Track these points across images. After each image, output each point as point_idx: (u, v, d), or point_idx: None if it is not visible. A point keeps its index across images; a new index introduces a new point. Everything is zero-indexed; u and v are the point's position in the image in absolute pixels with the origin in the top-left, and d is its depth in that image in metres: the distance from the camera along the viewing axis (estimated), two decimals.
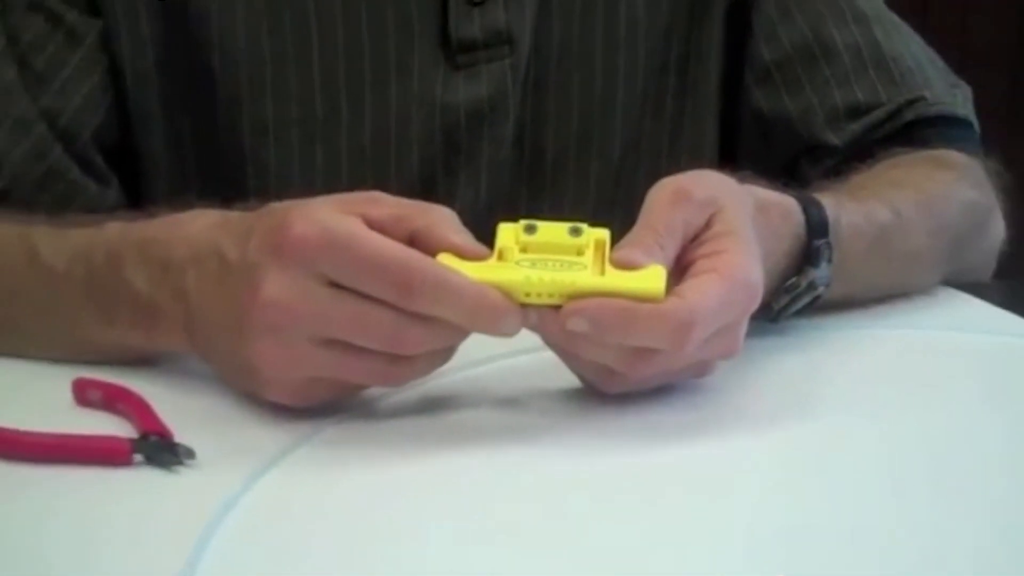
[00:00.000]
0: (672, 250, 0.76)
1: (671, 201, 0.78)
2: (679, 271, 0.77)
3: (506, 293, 0.73)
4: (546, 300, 0.74)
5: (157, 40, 0.99)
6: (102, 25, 0.98)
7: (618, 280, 0.74)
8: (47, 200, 0.95)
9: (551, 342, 0.77)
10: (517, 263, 0.74)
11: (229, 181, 0.99)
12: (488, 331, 0.74)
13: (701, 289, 0.75)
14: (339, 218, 0.73)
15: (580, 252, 0.75)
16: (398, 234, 0.74)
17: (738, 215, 0.79)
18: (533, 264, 0.74)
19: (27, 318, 0.86)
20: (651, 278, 0.74)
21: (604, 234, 0.76)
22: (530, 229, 0.75)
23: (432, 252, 0.74)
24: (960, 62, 1.10)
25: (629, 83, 1.05)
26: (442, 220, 0.76)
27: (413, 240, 0.74)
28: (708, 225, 0.78)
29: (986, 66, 2.76)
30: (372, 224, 0.74)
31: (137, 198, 1.01)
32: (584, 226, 0.76)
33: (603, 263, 0.75)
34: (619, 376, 0.77)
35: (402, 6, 0.99)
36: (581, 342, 0.75)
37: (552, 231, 0.75)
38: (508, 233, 0.76)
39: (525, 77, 1.02)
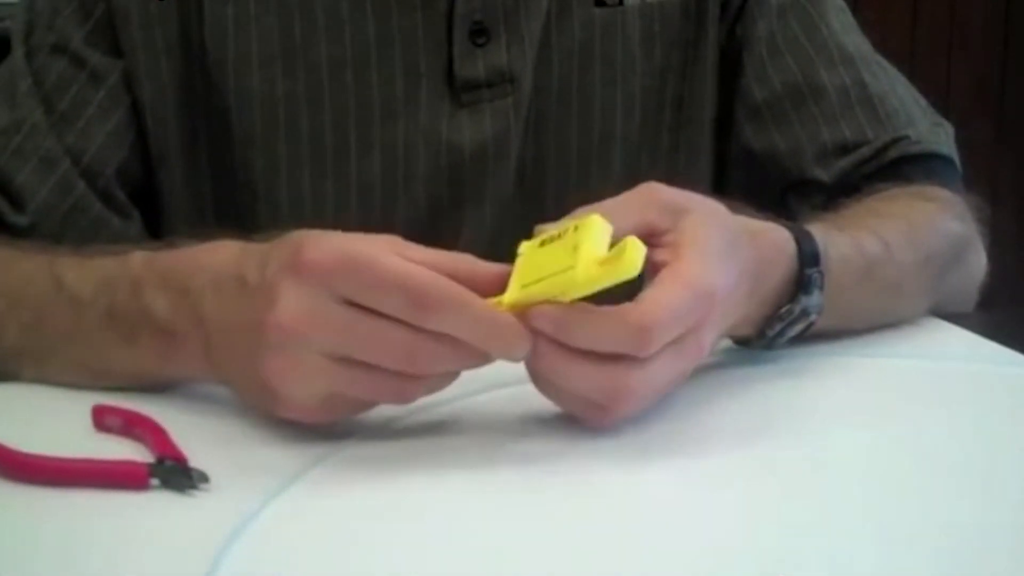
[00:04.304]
0: (624, 222, 0.75)
1: (637, 191, 0.78)
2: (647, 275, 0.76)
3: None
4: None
5: (177, 82, 0.99)
6: (124, 66, 0.98)
7: (594, 265, 0.72)
8: (72, 234, 0.96)
9: (533, 371, 0.76)
10: (522, 286, 0.74)
11: (243, 216, 0.99)
12: (500, 352, 0.74)
13: (659, 294, 0.74)
14: (356, 241, 0.73)
15: (576, 248, 0.74)
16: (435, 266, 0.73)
17: (705, 224, 0.78)
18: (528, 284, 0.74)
19: (53, 345, 0.86)
20: (620, 254, 0.72)
21: (591, 224, 0.74)
22: (543, 243, 0.75)
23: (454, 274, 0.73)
24: (945, 103, 1.10)
25: (626, 120, 1.05)
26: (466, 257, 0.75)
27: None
28: (672, 228, 0.77)
29: (970, 107, 2.77)
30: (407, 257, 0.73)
31: (157, 232, 1.01)
32: (581, 222, 0.74)
33: (589, 249, 0.73)
34: (602, 409, 0.76)
35: (409, 47, 0.99)
36: (555, 365, 0.74)
37: (553, 249, 0.75)
38: (525, 256, 0.75)
39: (527, 115, 1.02)
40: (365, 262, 0.72)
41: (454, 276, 0.73)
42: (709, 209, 0.79)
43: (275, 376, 0.74)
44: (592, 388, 0.75)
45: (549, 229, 0.77)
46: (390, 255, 0.73)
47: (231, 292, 0.77)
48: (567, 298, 0.73)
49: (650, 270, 0.76)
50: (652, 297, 0.74)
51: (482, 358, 0.74)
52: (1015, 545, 0.68)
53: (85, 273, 0.85)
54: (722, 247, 0.77)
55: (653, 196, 0.79)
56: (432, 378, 0.75)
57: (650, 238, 0.76)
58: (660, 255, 0.76)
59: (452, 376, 0.76)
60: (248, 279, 0.76)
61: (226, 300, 0.77)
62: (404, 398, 0.76)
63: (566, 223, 0.76)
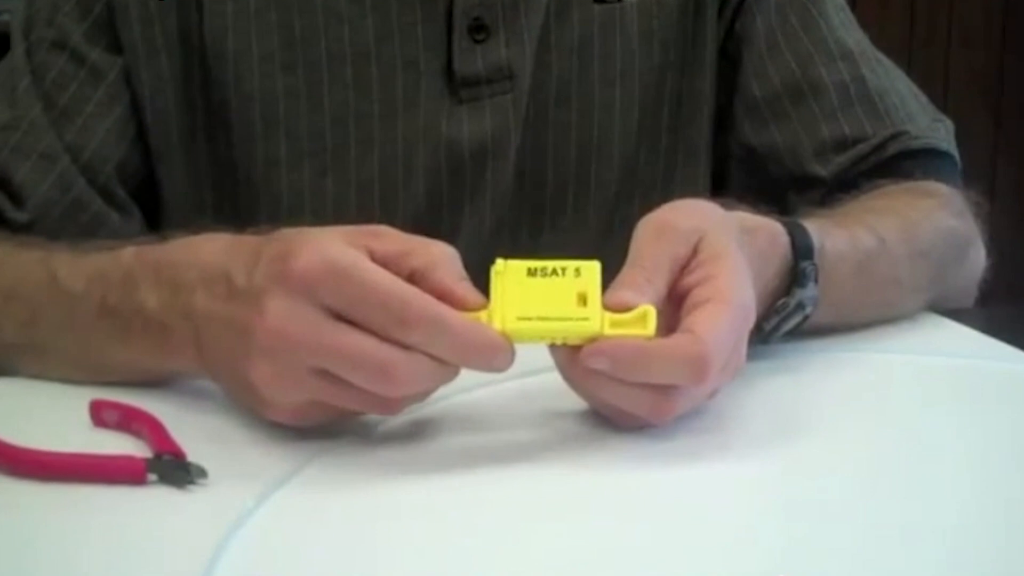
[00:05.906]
0: (662, 284, 0.76)
1: (656, 236, 0.77)
2: (675, 301, 0.76)
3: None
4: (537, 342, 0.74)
5: (176, 78, 0.99)
6: (124, 62, 0.98)
7: (609, 327, 0.73)
8: (71, 231, 0.95)
9: (573, 382, 0.76)
10: (518, 318, 0.73)
11: (243, 212, 0.99)
12: (480, 368, 0.73)
13: (708, 320, 0.74)
14: (343, 250, 0.73)
15: (584, 297, 0.73)
16: (399, 269, 0.73)
17: (722, 238, 0.78)
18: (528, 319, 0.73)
19: (48, 340, 0.86)
20: (641, 321, 0.73)
21: (595, 271, 0.74)
22: (531, 273, 0.74)
23: (428, 292, 0.73)
24: (943, 99, 1.10)
25: (625, 118, 1.05)
26: (442, 261, 0.74)
27: (412, 277, 0.73)
28: (695, 252, 0.77)
29: (968, 103, 2.77)
30: (375, 258, 0.73)
31: (158, 228, 1.01)
32: (582, 266, 0.74)
33: (598, 301, 0.74)
34: (635, 417, 0.76)
35: (409, 43, 0.99)
36: (604, 385, 0.74)
37: (549, 285, 0.74)
38: (507, 277, 0.74)
39: (526, 111, 1.02)
40: (350, 275, 0.72)
41: (417, 271, 0.73)
42: (715, 220, 0.79)
43: (261, 382, 0.74)
44: (638, 407, 0.75)
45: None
46: (372, 266, 0.72)
47: (219, 291, 0.77)
48: (567, 341, 0.74)
49: (680, 293, 0.76)
50: (703, 328, 0.73)
51: (455, 372, 0.74)
52: (1014, 542, 0.68)
53: (78, 268, 0.85)
54: (740, 255, 0.78)
55: (669, 231, 0.77)
56: (410, 395, 0.74)
57: (680, 270, 0.76)
58: (689, 279, 0.76)
59: (433, 388, 0.75)
60: (236, 281, 0.76)
61: (215, 298, 0.77)
62: (385, 411, 0.76)
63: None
